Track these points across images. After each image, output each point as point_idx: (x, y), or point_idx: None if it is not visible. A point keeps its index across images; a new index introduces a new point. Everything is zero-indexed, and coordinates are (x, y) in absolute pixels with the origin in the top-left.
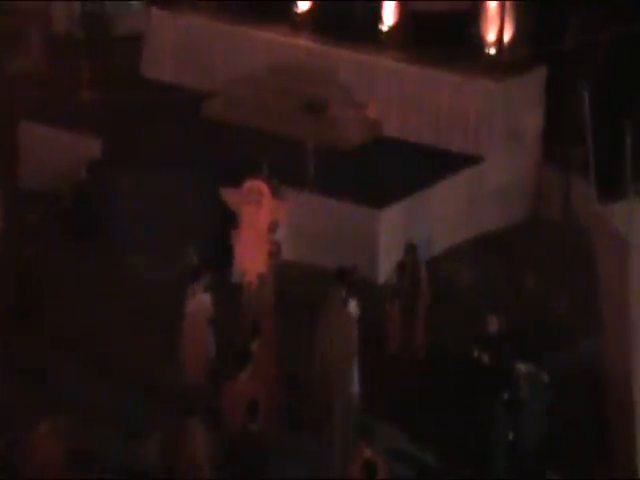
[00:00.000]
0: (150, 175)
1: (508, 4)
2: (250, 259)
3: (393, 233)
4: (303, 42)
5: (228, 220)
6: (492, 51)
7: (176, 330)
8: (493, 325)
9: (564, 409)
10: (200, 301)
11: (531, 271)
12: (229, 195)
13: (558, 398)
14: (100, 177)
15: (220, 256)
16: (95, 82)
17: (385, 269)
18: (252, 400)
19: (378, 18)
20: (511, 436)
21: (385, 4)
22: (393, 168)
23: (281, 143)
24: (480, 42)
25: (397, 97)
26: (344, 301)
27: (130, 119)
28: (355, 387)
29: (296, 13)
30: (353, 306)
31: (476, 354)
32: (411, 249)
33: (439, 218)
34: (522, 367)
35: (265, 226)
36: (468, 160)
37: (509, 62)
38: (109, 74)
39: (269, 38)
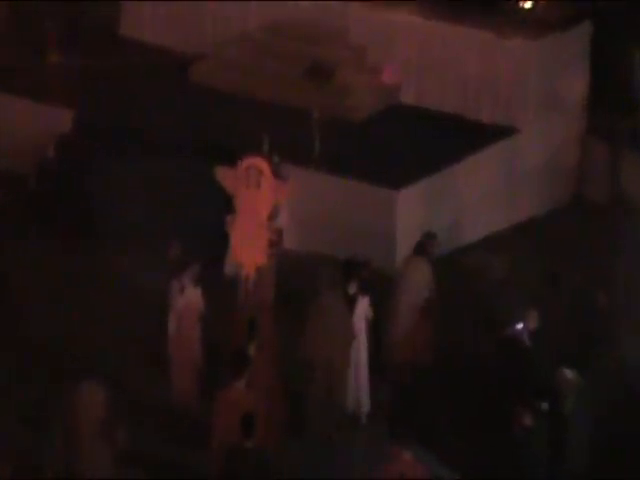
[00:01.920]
0: (129, 153)
1: None
2: (248, 249)
3: (413, 217)
4: None
5: (222, 204)
6: (527, 5)
7: (160, 331)
8: (533, 322)
9: (611, 418)
10: (190, 297)
11: (574, 261)
12: (224, 175)
13: (605, 406)
14: (70, 154)
15: (212, 246)
16: (65, 44)
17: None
18: (248, 412)
19: None
20: (548, 450)
21: None
22: (412, 142)
23: (282, 113)
24: None
25: (417, 59)
26: (345, 293)
27: (106, 87)
28: (365, 406)
29: None
30: (364, 305)
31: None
32: (430, 238)
33: (466, 200)
34: (566, 373)
35: (265, 210)
36: (500, 132)
37: (547, 17)
38: (82, 34)
39: None
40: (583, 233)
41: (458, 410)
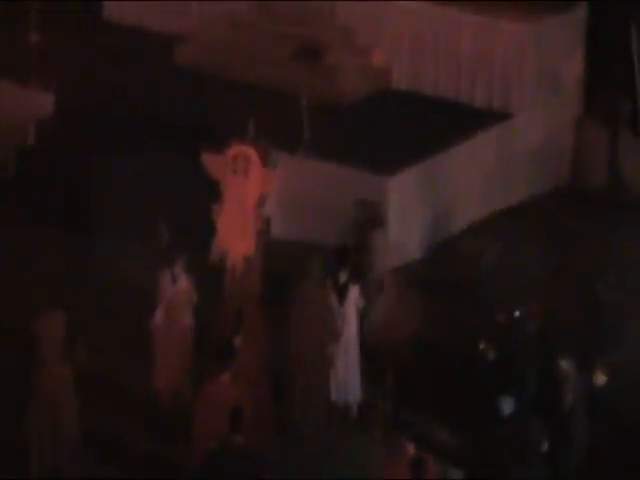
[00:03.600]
0: (112, 137)
1: None
2: (235, 238)
3: (404, 205)
4: None
5: (209, 192)
6: None
7: (145, 324)
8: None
9: (613, 416)
10: (181, 286)
11: (571, 249)
12: (210, 161)
13: (606, 402)
14: (52, 140)
15: (198, 234)
16: (47, 24)
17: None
18: (235, 406)
19: None
20: (546, 447)
21: None
22: (404, 127)
23: (269, 97)
24: None
25: (409, 41)
26: (322, 280)
27: (88, 70)
28: (356, 396)
29: None
30: (355, 293)
31: (482, 346)
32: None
33: (460, 186)
34: (563, 364)
35: (253, 199)
36: (495, 117)
37: None
38: (64, 15)
39: None
40: (580, 218)
41: (448, 399)
